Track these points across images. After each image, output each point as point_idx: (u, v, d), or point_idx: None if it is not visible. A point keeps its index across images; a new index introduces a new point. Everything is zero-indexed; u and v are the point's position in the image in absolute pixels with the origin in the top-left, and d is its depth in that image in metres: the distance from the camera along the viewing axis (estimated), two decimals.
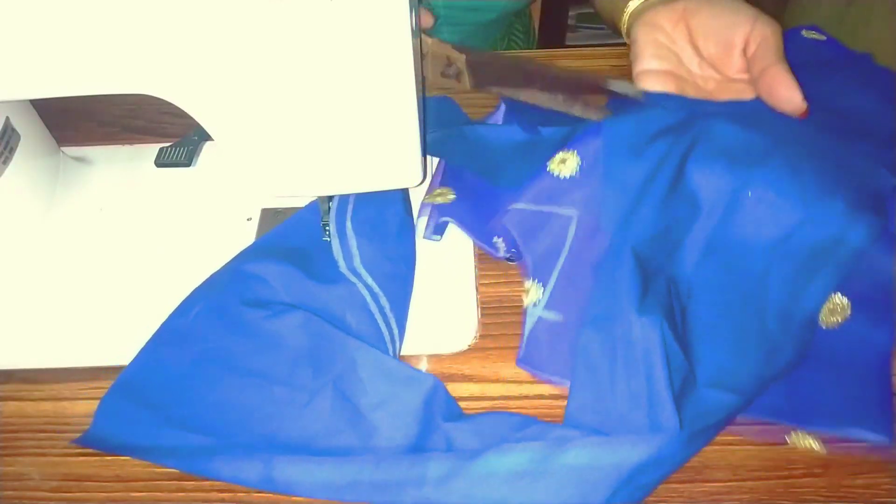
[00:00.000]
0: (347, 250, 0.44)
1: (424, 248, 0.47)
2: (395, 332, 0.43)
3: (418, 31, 0.38)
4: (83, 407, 0.42)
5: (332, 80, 0.34)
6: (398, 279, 0.45)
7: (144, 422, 0.39)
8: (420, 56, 0.40)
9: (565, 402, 0.40)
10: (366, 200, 0.46)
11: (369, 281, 0.43)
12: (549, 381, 0.42)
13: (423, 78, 0.46)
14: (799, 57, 0.47)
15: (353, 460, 0.37)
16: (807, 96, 0.44)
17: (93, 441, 0.39)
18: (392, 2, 0.32)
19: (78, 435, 0.40)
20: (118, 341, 0.43)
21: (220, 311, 0.42)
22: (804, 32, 0.56)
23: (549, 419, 0.40)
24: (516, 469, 0.35)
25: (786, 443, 0.39)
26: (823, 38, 0.56)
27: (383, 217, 0.46)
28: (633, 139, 0.45)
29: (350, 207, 0.46)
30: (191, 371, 0.41)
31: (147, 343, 0.42)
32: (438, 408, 0.39)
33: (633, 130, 0.45)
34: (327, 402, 0.40)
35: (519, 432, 0.37)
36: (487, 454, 0.35)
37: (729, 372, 0.39)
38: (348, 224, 0.45)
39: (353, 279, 0.44)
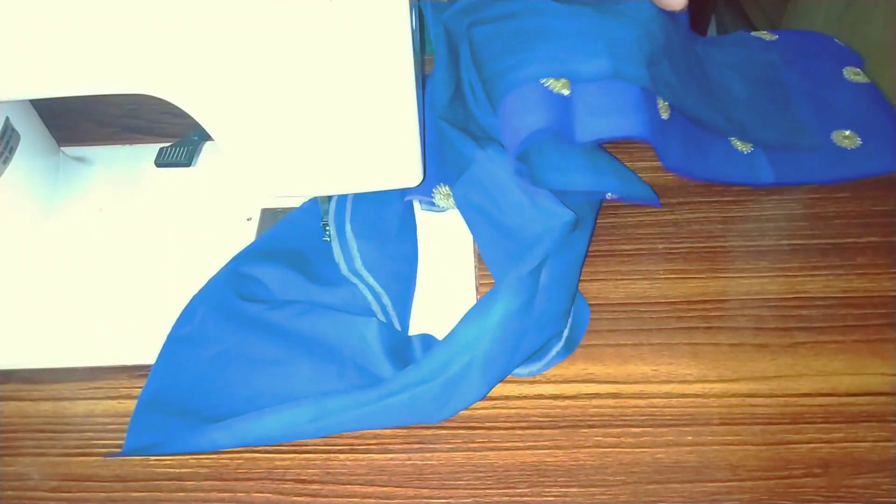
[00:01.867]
0: (348, 253, 0.45)
1: (425, 247, 0.47)
2: (398, 329, 0.43)
3: (418, 31, 0.38)
4: (83, 407, 0.42)
5: (332, 80, 0.34)
6: (400, 278, 0.45)
7: (180, 426, 0.39)
8: (420, 54, 0.40)
9: (565, 402, 0.41)
10: (364, 202, 0.46)
11: (371, 281, 0.44)
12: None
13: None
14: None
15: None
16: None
17: (131, 453, 0.39)
18: (392, 2, 0.32)
19: (77, 435, 0.40)
20: (118, 341, 0.43)
21: (224, 312, 0.42)
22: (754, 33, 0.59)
23: (548, 419, 0.40)
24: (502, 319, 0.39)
25: (786, 443, 0.39)
26: (775, 37, 0.59)
27: (382, 217, 0.46)
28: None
29: (348, 210, 0.46)
30: (213, 374, 0.41)
31: (159, 356, 0.42)
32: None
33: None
34: (355, 375, 0.40)
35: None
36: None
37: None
38: (347, 227, 0.45)
39: (355, 280, 0.44)
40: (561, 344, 0.42)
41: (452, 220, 0.49)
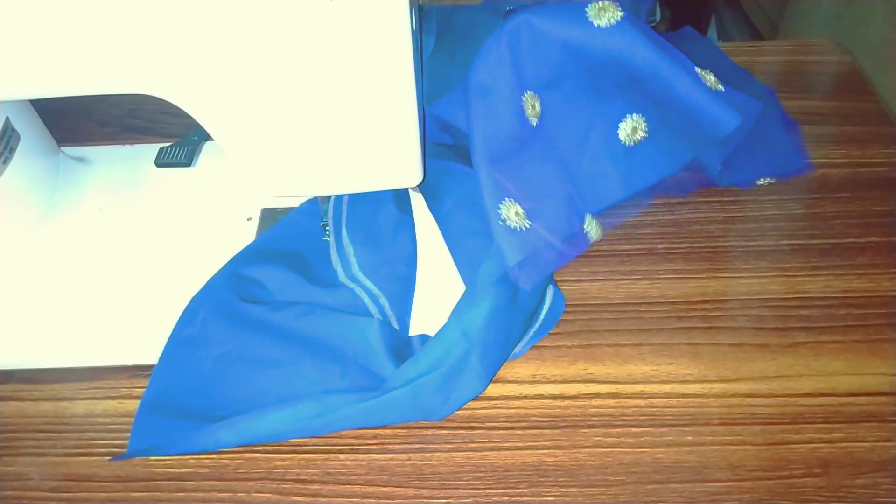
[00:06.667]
0: (345, 259, 0.45)
1: (425, 247, 0.47)
2: (396, 328, 0.43)
3: (418, 31, 0.38)
4: (83, 407, 0.42)
5: (331, 80, 0.34)
6: (398, 279, 0.45)
7: (184, 427, 0.39)
8: (420, 56, 0.40)
9: (565, 402, 0.41)
10: (359, 207, 0.47)
11: (368, 284, 0.44)
12: None
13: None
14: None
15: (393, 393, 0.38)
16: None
17: (134, 455, 0.39)
18: (392, 2, 0.32)
19: (77, 435, 0.40)
20: (118, 341, 0.43)
21: (225, 313, 0.42)
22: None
23: (548, 419, 0.40)
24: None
25: (786, 443, 0.39)
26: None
27: (377, 221, 0.46)
28: None
29: (344, 216, 0.46)
30: (215, 375, 0.41)
31: (161, 358, 0.42)
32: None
33: None
34: (358, 375, 0.40)
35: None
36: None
37: None
38: (344, 232, 0.45)
39: (353, 286, 0.44)
40: (538, 325, 0.43)
41: None
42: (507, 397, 0.42)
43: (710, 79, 0.46)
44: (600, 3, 0.44)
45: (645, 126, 0.48)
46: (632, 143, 0.48)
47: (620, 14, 0.44)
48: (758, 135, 0.50)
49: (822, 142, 0.54)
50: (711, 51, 0.59)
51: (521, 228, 0.42)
